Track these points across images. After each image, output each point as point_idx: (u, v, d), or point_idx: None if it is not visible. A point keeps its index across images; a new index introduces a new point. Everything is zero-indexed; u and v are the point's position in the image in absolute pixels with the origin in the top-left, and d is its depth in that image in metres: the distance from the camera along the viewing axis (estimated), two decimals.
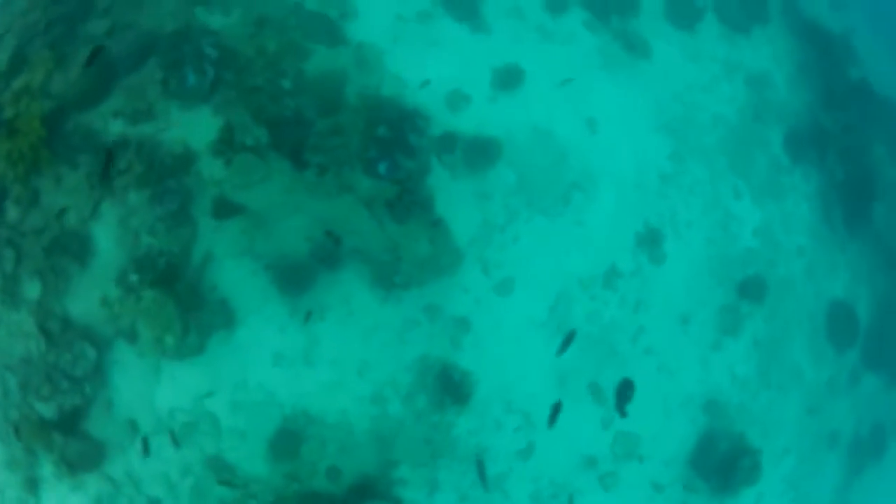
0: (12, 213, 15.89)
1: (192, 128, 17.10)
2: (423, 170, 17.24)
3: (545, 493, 17.26)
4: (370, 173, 16.89)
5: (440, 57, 18.85)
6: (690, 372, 18.75)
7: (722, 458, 18.22)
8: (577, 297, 18.73)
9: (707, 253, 19.27)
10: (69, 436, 15.02)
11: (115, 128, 17.13)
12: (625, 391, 15.97)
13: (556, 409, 15.51)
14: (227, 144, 16.55)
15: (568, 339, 16.59)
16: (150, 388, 15.38)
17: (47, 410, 14.99)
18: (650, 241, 18.92)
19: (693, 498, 18.33)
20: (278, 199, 16.51)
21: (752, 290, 19.35)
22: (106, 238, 16.75)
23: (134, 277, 16.32)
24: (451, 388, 17.14)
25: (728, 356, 19.19)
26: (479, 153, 17.93)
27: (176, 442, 14.52)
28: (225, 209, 16.28)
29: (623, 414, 16.03)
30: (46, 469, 15.20)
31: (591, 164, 19.15)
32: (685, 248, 19.10)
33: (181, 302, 16.20)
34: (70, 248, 15.83)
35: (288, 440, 15.18)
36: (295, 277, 16.45)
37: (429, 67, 18.50)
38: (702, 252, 19.20)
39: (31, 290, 15.75)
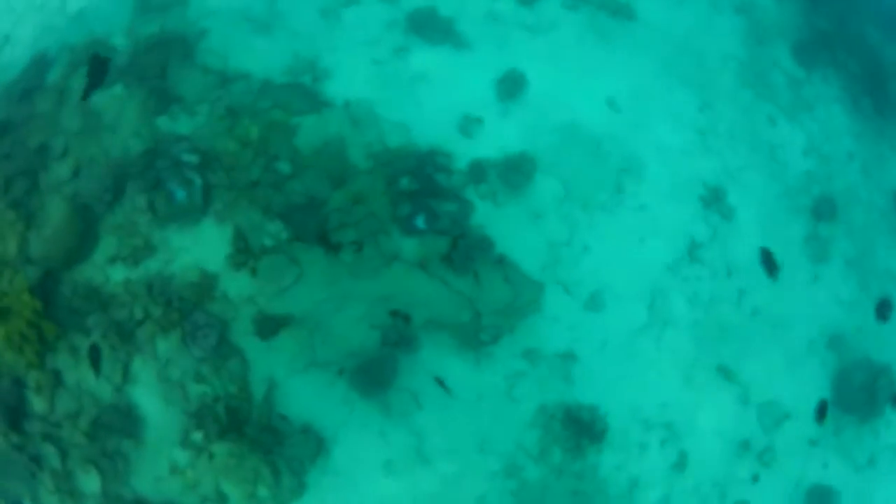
0: (38, 404, 13.76)
1: (201, 247, 13.73)
2: (465, 208, 13.58)
3: (712, 498, 15.30)
4: (410, 232, 13.21)
5: (434, 87, 15.15)
6: (802, 316, 16.95)
7: (860, 388, 16.80)
8: (671, 284, 15.67)
9: (771, 191, 17.46)
10: None
11: (117, 275, 13.82)
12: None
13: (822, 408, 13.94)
14: (244, 253, 12.90)
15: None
16: None
17: None
18: (715, 200, 16.59)
19: (845, 435, 16.68)
20: (323, 294, 12.76)
21: (823, 211, 17.87)
22: (150, 401, 13.45)
23: (197, 435, 12.65)
24: (582, 428, 14.00)
25: (829, 285, 17.39)
26: (514, 171, 14.32)
27: None
28: (269, 325, 12.64)
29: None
30: None
31: (628, 143, 15.72)
32: (750, 194, 17.10)
33: (259, 445, 12.59)
34: (115, 425, 13.33)
35: None
36: (374, 373, 12.81)
37: (426, 102, 14.73)
38: (766, 191, 17.38)
39: (90, 482, 13.35)
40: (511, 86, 15.66)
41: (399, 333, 13.06)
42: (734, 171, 17.02)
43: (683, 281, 15.62)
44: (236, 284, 13.42)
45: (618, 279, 14.96)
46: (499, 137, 15.09)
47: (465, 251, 13.22)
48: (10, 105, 15.99)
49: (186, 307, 13.29)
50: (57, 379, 13.74)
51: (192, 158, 14.05)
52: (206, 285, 13.36)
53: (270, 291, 13.21)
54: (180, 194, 13.87)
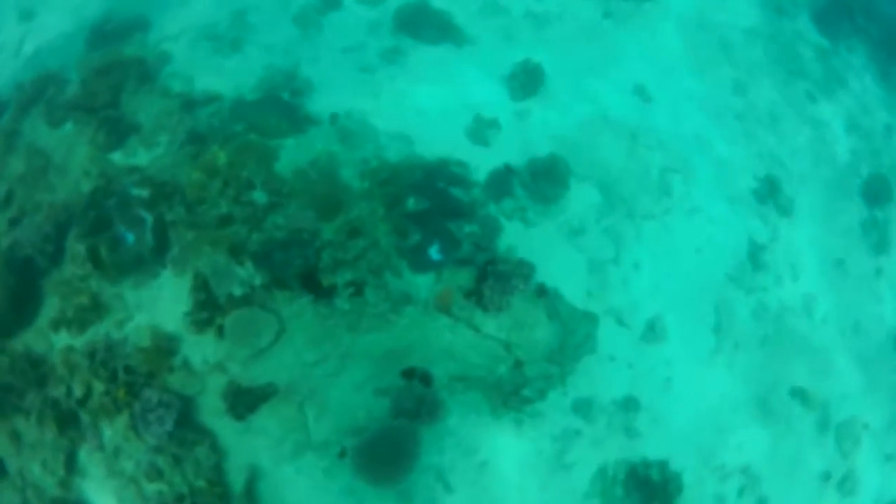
0: None
1: (155, 304, 9.36)
2: (490, 229, 8.61)
3: None
4: (423, 265, 8.43)
5: (436, 90, 10.33)
6: (872, 315, 12.74)
7: None
8: (735, 298, 11.32)
9: (822, 175, 13.20)
10: None
11: (60, 342, 9.42)
12: None
13: None
14: (208, 308, 8.11)
15: None
16: None
17: None
18: (770, 192, 12.28)
19: None
20: (313, 354, 8.12)
21: (876, 192, 13.67)
22: (103, 500, 8.92)
23: None
24: (650, 490, 9.68)
25: (892, 278, 13.13)
26: (544, 181, 9.49)
27: None
28: (245, 399, 8.39)
29: None
30: None
31: (668, 137, 11.05)
32: (802, 182, 12.81)
33: None
34: None
35: None
36: (386, 452, 7.87)
37: (430, 107, 9.88)
38: (818, 177, 13.11)
39: None
40: (526, 80, 10.88)
41: (417, 399, 8.15)
42: (783, 158, 12.83)
43: (748, 292, 11.38)
44: (200, 349, 8.64)
45: (678, 299, 10.13)
46: (519, 140, 10.27)
47: (497, 283, 8.29)
48: None
49: (135, 381, 8.39)
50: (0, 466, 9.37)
51: (142, 192, 9.23)
52: (160, 352, 8.51)
53: (244, 355, 8.32)
54: (130, 238, 9.02)
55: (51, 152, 11.25)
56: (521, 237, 9.76)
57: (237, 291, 8.74)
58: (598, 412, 9.46)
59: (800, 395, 11.47)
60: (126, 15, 12.47)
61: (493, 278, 8.58)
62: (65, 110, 11.54)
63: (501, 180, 9.92)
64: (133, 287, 9.55)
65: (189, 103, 11.12)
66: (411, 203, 9.42)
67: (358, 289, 8.87)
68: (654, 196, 11.06)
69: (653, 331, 10.37)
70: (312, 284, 8.82)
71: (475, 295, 8.68)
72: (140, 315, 9.44)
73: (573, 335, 9.15)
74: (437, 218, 9.29)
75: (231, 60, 11.76)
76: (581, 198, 10.52)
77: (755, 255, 11.51)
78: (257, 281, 8.84)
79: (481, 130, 10.70)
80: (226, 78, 11.51)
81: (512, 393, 8.85)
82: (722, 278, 11.26)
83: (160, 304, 9.31)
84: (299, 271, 9.01)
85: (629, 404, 9.72)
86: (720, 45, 13.53)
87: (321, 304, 8.77)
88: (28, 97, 12.02)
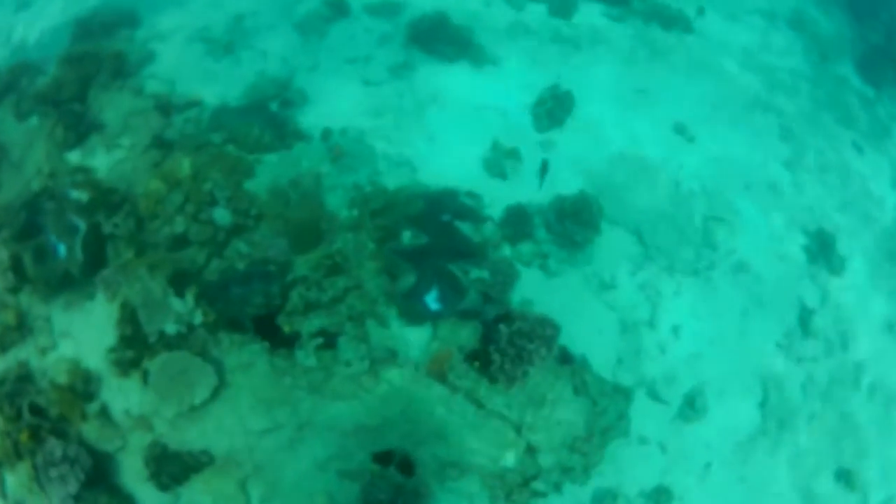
0: None
1: (83, 333, 6.78)
2: (505, 276, 5.74)
3: None
4: (416, 317, 5.40)
5: (448, 111, 7.63)
6: None
7: None
8: (783, 369, 8.64)
9: (872, 232, 10.36)
10: None
11: None
12: None
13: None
14: (134, 346, 5.14)
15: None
16: None
17: None
18: (820, 249, 9.57)
19: None
20: (262, 420, 4.93)
21: None
22: None
23: None
24: None
25: None
26: (571, 222, 6.57)
27: None
28: (172, 467, 5.16)
29: None
30: None
31: (712, 182, 8.11)
32: (853, 239, 9.98)
33: None
34: None
35: None
36: None
37: (441, 130, 7.18)
38: (867, 233, 10.28)
39: None
40: (554, 108, 8.24)
41: (394, 489, 5.30)
42: (832, 212, 10.11)
43: (797, 363, 8.74)
44: (123, 395, 5.95)
45: (721, 370, 7.53)
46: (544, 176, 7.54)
47: (510, 346, 5.51)
48: None
49: (41, 425, 5.64)
50: None
51: (81, 196, 6.56)
52: (75, 393, 5.81)
53: (172, 411, 5.51)
54: (61, 249, 6.37)
55: (11, 147, 8.80)
56: (541, 288, 7.08)
57: (170, 329, 6.03)
58: None
59: (845, 477, 8.80)
60: (117, 10, 10.01)
61: (506, 340, 5.85)
62: (32, 102, 9.04)
63: (520, 219, 7.25)
64: (64, 308, 6.93)
65: (164, 106, 8.63)
66: (407, 237, 6.74)
67: (329, 340, 6.15)
68: (696, 248, 8.40)
69: (692, 407, 7.65)
70: (270, 329, 6.10)
71: (480, 359, 5.95)
72: (65, 344, 6.82)
73: (603, 416, 6.40)
74: (438, 257, 6.60)
75: (221, 64, 9.31)
76: (613, 245, 7.86)
77: (806, 320, 8.82)
78: (197, 319, 6.12)
79: (499, 161, 8.10)
80: (212, 83, 9.06)
81: (520, 485, 6.07)
82: (769, 346, 8.53)
83: (88, 333, 6.63)
84: (256, 312, 6.30)
85: (660, 496, 6.95)
86: (766, 86, 10.95)
87: (278, 355, 6.04)
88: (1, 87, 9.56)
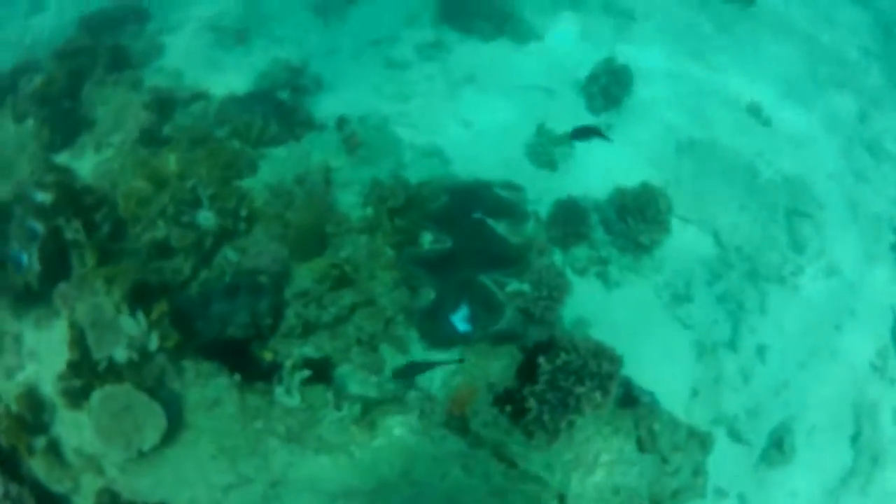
0: None
1: (44, 356, 5.14)
2: (552, 289, 3.70)
3: None
4: (442, 338, 3.38)
5: (488, 94, 5.71)
6: None
7: None
8: (878, 395, 6.55)
9: None
10: None
11: None
12: None
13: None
14: (83, 373, 3.39)
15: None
16: None
17: None
18: None
19: None
20: (226, 473, 3.04)
21: None
22: None
23: None
24: None
25: None
26: (636, 220, 4.48)
27: None
28: None
29: None
30: None
31: (793, 170, 5.75)
32: None
33: None
34: None
35: None
36: None
37: (479, 115, 5.29)
38: None
39: None
40: (609, 84, 6.27)
41: None
42: None
43: (891, 385, 6.61)
44: (75, 430, 4.19)
45: (810, 400, 5.34)
46: (599, 163, 5.58)
47: (550, 390, 3.62)
48: None
49: None
50: None
51: (46, 198, 4.99)
52: (23, 423, 4.13)
53: (120, 455, 3.79)
54: (24, 259, 4.83)
55: (4, 151, 7.41)
56: (599, 304, 5.17)
57: (120, 356, 4.38)
58: None
59: None
60: (126, 6, 8.60)
61: (547, 380, 4.01)
62: (27, 103, 7.65)
63: (572, 216, 5.38)
64: (34, 326, 5.38)
65: (165, 100, 7.05)
66: (426, 240, 4.96)
67: (321, 372, 4.38)
68: (781, 250, 6.36)
69: (779, 448, 5.62)
70: (242, 364, 4.41)
71: (513, 403, 4.12)
72: (31, 366, 5.25)
73: (675, 476, 4.44)
74: (467, 266, 4.81)
75: (232, 54, 7.74)
76: (686, 247, 5.88)
77: None
78: (153, 344, 4.47)
79: (546, 147, 6.23)
80: (221, 73, 7.49)
81: None
82: (865, 367, 6.43)
83: (50, 355, 5.10)
84: (243, 333, 4.64)
85: None
86: (837, 64, 8.80)
87: (253, 391, 4.32)
88: (2, 89, 8.24)
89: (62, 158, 6.92)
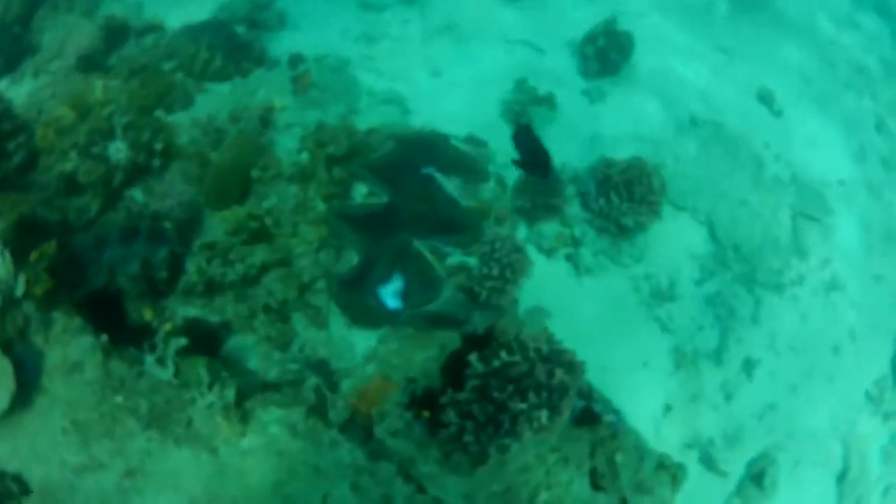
0: None
1: None
2: (505, 267, 2.68)
3: None
4: (366, 316, 2.31)
5: (465, 46, 4.88)
6: None
7: None
8: (869, 428, 5.45)
9: None
10: None
11: None
12: None
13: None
14: None
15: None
16: None
17: None
18: None
19: None
20: (82, 451, 2.04)
21: None
22: None
23: None
24: None
25: None
26: (619, 197, 3.40)
27: None
28: None
29: None
30: None
31: (803, 170, 4.63)
32: None
33: None
34: None
35: None
36: None
37: (452, 66, 4.21)
38: None
39: None
40: (606, 48, 5.15)
41: None
42: None
43: (883, 420, 5.65)
44: None
45: (799, 429, 4.23)
46: (583, 130, 4.48)
47: (480, 403, 2.55)
48: None
49: None
50: None
51: None
52: None
53: None
54: None
55: None
56: (563, 292, 4.10)
57: None
58: None
59: None
60: None
61: (476, 388, 2.97)
62: None
63: (544, 184, 4.32)
64: None
65: (116, 28, 6.04)
66: (360, 193, 3.94)
67: (205, 341, 3.38)
68: (783, 255, 5.28)
69: (758, 483, 4.58)
70: (119, 314, 3.42)
71: (433, 409, 3.09)
72: None
73: None
74: (406, 228, 3.78)
75: None
76: (675, 237, 4.81)
77: None
78: (19, 289, 3.49)
79: (524, 106, 5.16)
80: (181, 7, 6.43)
81: None
82: (860, 396, 5.38)
83: None
84: (132, 287, 3.64)
85: None
86: (856, 68, 7.67)
87: (121, 357, 3.32)
88: None
89: (2, 84, 6.00)
